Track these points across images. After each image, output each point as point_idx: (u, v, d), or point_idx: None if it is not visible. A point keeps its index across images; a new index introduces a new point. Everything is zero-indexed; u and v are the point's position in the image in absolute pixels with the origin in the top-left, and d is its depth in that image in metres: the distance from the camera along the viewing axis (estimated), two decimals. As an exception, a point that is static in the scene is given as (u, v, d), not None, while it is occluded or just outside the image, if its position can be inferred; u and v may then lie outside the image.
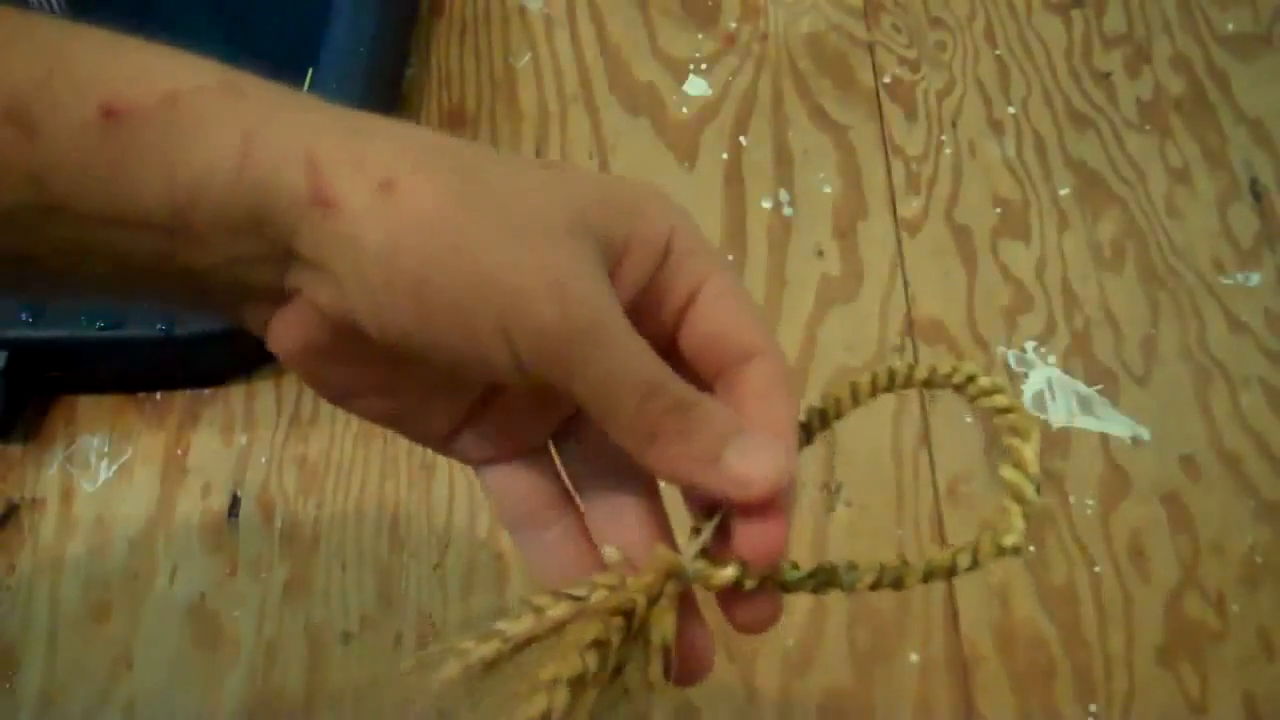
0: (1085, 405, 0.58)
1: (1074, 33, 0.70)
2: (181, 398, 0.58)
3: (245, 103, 0.25)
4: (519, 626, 0.27)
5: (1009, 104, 0.67)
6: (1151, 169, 0.65)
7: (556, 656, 0.26)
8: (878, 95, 0.68)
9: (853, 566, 0.30)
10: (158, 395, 0.58)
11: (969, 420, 0.57)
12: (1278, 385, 0.58)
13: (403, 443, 0.57)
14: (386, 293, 0.25)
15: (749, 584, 0.29)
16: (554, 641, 0.27)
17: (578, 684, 0.26)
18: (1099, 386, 0.58)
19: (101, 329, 0.55)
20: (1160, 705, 0.50)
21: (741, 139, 0.66)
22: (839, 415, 0.31)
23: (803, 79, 0.68)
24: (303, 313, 0.27)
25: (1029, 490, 0.30)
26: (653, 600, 0.28)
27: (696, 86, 0.68)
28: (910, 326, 0.60)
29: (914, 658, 0.51)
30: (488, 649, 0.27)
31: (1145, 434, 0.57)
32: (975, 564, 0.30)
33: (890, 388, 0.31)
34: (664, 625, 0.28)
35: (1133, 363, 0.59)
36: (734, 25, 0.70)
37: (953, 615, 0.53)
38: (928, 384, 0.31)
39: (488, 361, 0.26)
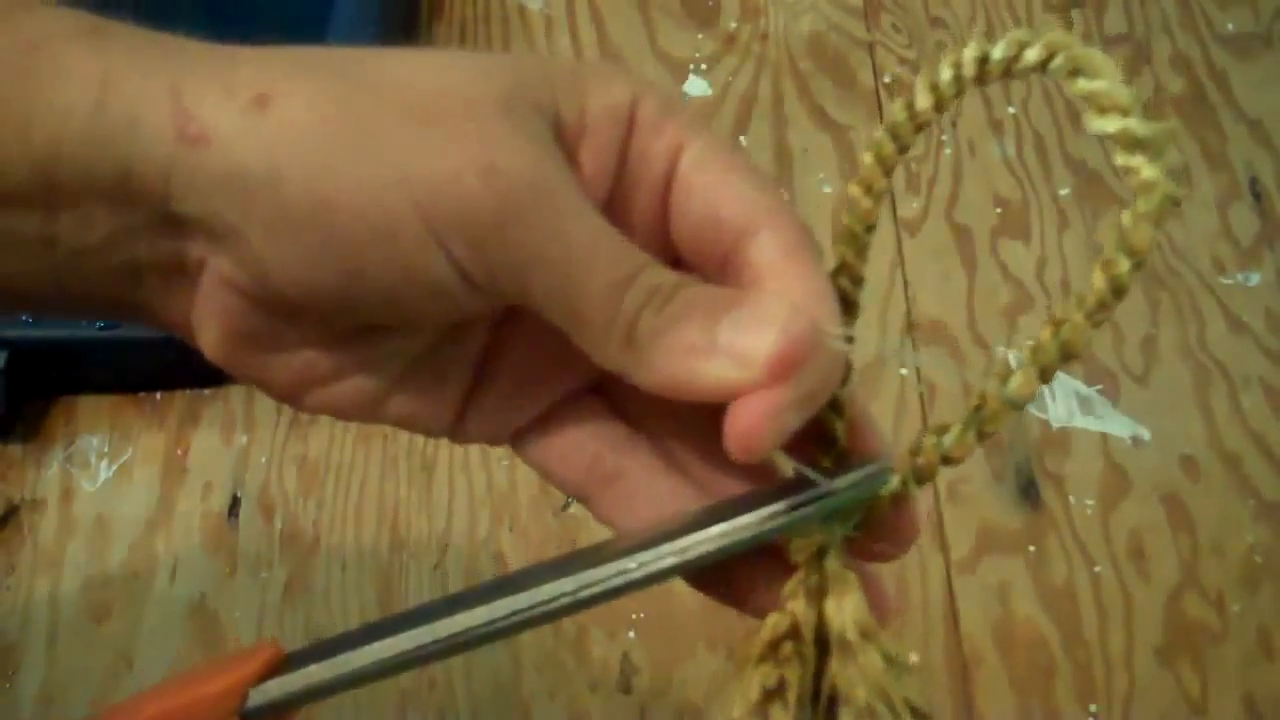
0: (1085, 405, 0.58)
1: (1074, 33, 0.70)
2: (181, 398, 0.58)
3: (108, 43, 0.22)
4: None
5: (1009, 104, 0.67)
6: (1151, 169, 0.65)
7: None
8: (878, 95, 0.68)
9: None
10: (158, 395, 0.58)
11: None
12: (1278, 385, 0.58)
13: (403, 443, 0.57)
14: (284, 227, 0.21)
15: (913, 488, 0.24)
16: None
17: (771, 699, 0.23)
18: (1099, 386, 0.58)
19: (101, 329, 0.55)
20: (1160, 705, 0.50)
21: (741, 139, 0.66)
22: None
23: (803, 79, 0.68)
24: (215, 291, 0.23)
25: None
26: (816, 593, 0.24)
27: (696, 86, 0.68)
28: (910, 327, 0.60)
29: (914, 658, 0.51)
30: None
31: (1145, 434, 0.57)
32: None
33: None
34: (847, 601, 0.23)
35: (1133, 363, 0.59)
36: (734, 25, 0.70)
37: (953, 615, 0.53)
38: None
39: (426, 281, 0.22)
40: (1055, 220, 0.63)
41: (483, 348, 0.26)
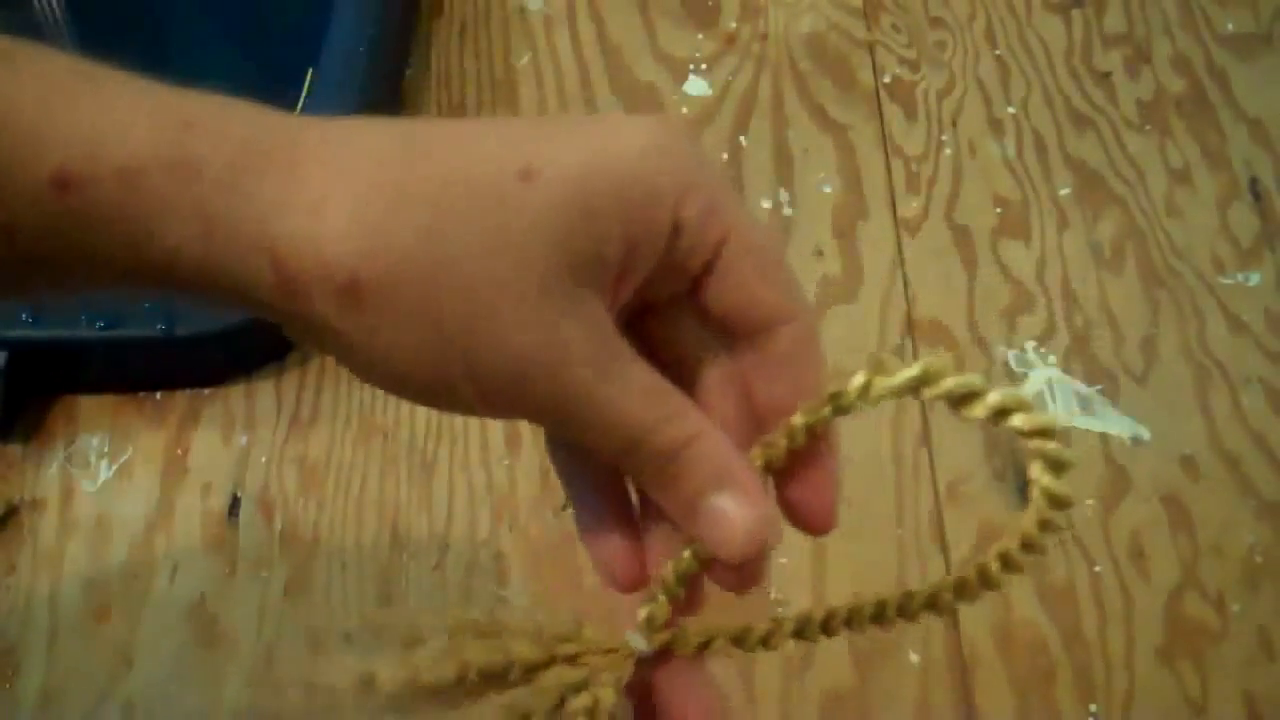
0: (1085, 405, 0.58)
1: (1074, 33, 0.70)
2: (181, 398, 0.58)
3: (200, 185, 0.24)
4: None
5: (1009, 104, 0.67)
6: (1151, 169, 0.65)
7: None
8: (878, 95, 0.68)
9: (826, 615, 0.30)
10: (158, 395, 0.58)
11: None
12: (1278, 385, 0.58)
13: (403, 442, 0.57)
14: (372, 375, 0.26)
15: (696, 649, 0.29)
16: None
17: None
18: (1099, 386, 0.58)
19: (101, 329, 0.55)
20: (1160, 705, 0.50)
21: (741, 139, 0.66)
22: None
23: (803, 79, 0.68)
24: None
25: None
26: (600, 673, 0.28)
27: (696, 87, 0.68)
28: (910, 327, 0.60)
29: (914, 658, 0.51)
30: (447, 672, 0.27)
31: (1145, 434, 0.57)
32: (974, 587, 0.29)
33: None
34: (600, 699, 0.28)
35: (1133, 363, 0.59)
36: (734, 25, 0.70)
37: (953, 615, 0.53)
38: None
39: (483, 414, 0.27)
40: (1055, 220, 0.63)
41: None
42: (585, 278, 0.25)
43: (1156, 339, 0.60)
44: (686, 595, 0.29)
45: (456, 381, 0.25)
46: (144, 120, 0.24)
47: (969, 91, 0.68)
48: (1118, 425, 0.57)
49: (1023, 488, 0.55)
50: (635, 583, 0.29)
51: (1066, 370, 0.59)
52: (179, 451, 0.57)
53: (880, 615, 0.29)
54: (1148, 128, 0.66)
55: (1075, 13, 0.70)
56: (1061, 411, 0.58)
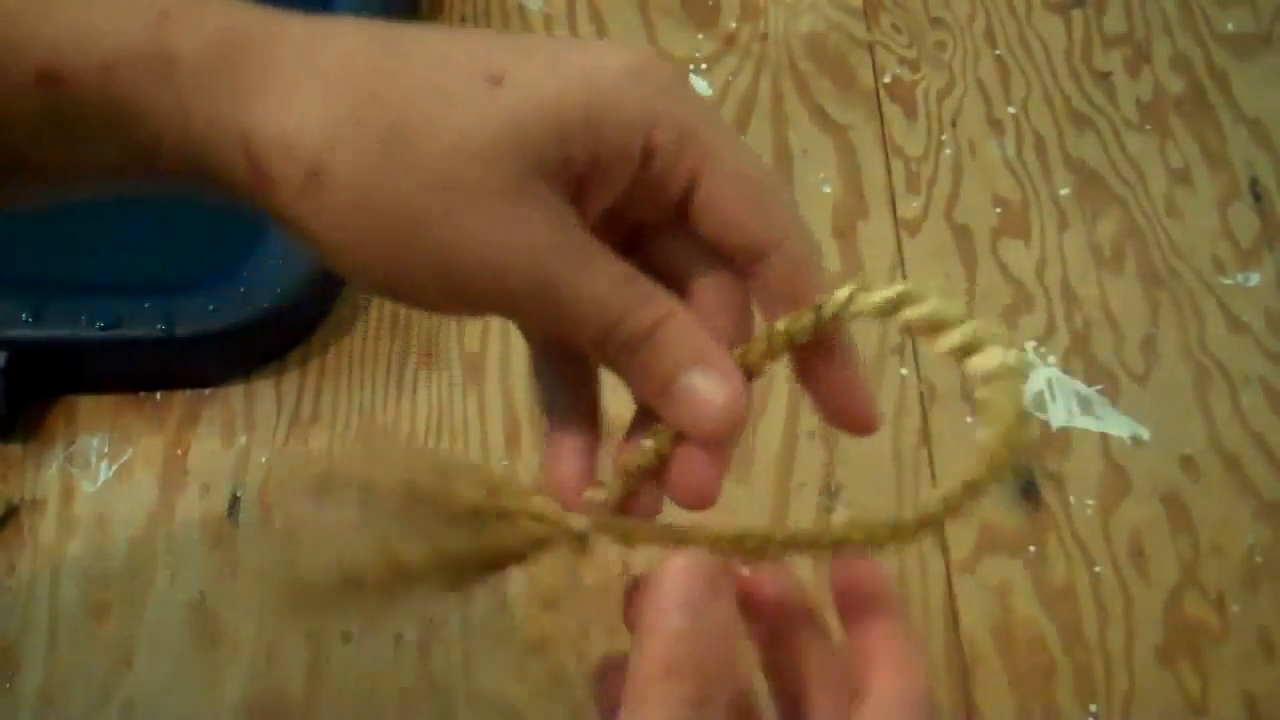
0: (1085, 405, 0.58)
1: (1074, 33, 0.70)
2: (181, 398, 0.58)
3: (178, 77, 0.25)
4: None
5: (1009, 104, 0.67)
6: (1151, 169, 0.65)
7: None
8: (878, 95, 0.68)
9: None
10: (158, 395, 0.58)
11: (969, 420, 0.57)
12: (1278, 385, 0.58)
13: (402, 441, 0.57)
14: (336, 263, 0.26)
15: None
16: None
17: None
18: (1099, 386, 0.58)
19: (101, 329, 0.55)
20: (1160, 705, 0.50)
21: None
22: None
23: (803, 79, 0.68)
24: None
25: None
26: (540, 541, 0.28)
27: (696, 86, 0.68)
28: (910, 326, 0.60)
29: (914, 658, 0.51)
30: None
31: (1145, 434, 0.57)
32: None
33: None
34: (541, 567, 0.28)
35: (1133, 363, 0.59)
36: (734, 25, 0.70)
37: (953, 615, 0.53)
38: None
39: (445, 309, 0.27)
40: (1055, 220, 0.63)
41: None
42: (553, 180, 0.26)
43: (1156, 339, 0.60)
44: (641, 497, 0.29)
45: (422, 279, 0.26)
46: (123, 14, 0.25)
47: (969, 91, 0.68)
48: (1118, 425, 0.57)
49: (1024, 487, 0.55)
50: (578, 483, 0.29)
51: (1066, 370, 0.59)
52: (179, 451, 0.57)
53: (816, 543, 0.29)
54: (1148, 128, 0.66)
55: (1075, 13, 0.70)
56: (1061, 411, 0.58)
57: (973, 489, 0.27)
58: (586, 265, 0.26)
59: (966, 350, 0.26)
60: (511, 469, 0.56)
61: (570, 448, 0.30)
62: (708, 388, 0.27)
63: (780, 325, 0.28)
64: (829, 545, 0.28)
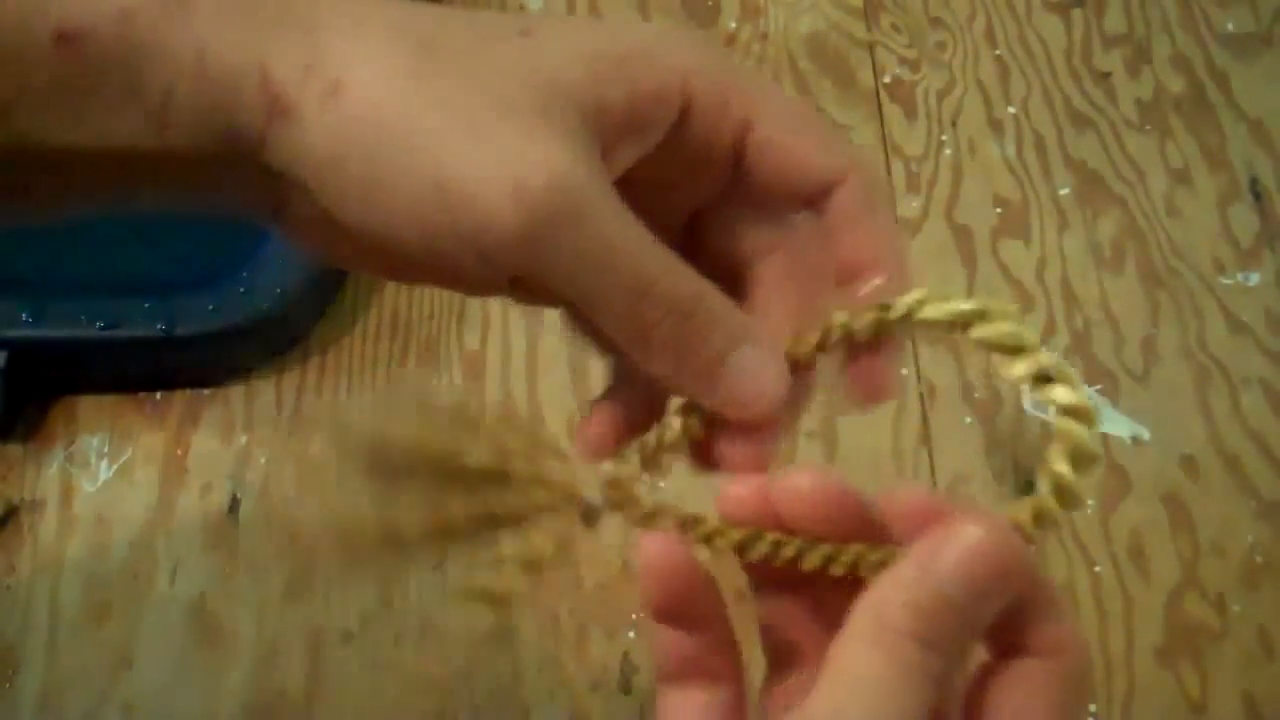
0: (1085, 405, 0.58)
1: (1074, 33, 0.70)
2: (181, 398, 0.58)
3: (193, 15, 0.24)
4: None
5: (1009, 104, 0.67)
6: (1151, 169, 0.65)
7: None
8: (878, 95, 0.68)
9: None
10: (158, 395, 0.58)
11: (969, 420, 0.57)
12: (1278, 385, 0.58)
13: (403, 443, 0.57)
14: (342, 197, 0.24)
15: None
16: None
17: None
18: (1099, 386, 0.58)
19: (101, 329, 0.55)
20: (1160, 705, 0.50)
21: (741, 139, 0.66)
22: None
23: (803, 79, 0.68)
24: (299, 220, 0.26)
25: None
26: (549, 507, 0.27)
27: (696, 86, 0.68)
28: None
29: (914, 658, 0.51)
30: None
31: (1145, 434, 0.57)
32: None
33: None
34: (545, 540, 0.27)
35: (1133, 363, 0.59)
36: (734, 25, 0.70)
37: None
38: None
39: (457, 264, 0.24)
40: (1055, 220, 0.63)
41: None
42: (587, 123, 0.24)
43: (1156, 339, 0.60)
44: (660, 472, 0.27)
45: (405, 205, 0.24)
46: None
47: (969, 91, 0.67)
48: (1117, 425, 0.57)
49: (1023, 488, 0.55)
50: (603, 443, 0.28)
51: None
52: (179, 451, 0.57)
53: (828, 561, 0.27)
54: (1148, 128, 0.66)
55: (1075, 13, 0.70)
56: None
57: (1044, 518, 0.26)
58: (617, 211, 0.24)
59: (1040, 379, 0.25)
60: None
61: (611, 414, 0.28)
62: (760, 366, 0.26)
63: (840, 319, 0.26)
64: (849, 561, 0.26)
